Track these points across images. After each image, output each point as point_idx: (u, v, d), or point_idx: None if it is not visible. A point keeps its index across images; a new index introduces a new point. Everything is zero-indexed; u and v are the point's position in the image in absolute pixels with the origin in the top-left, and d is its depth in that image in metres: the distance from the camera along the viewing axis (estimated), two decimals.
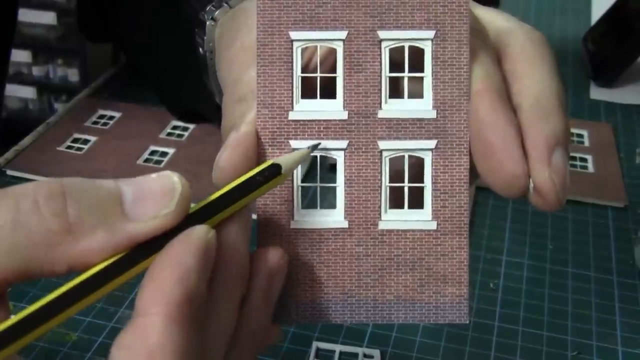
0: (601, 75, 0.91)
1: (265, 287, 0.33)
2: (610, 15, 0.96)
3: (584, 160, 0.76)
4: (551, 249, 0.64)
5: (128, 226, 0.29)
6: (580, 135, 0.80)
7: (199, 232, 0.30)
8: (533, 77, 0.35)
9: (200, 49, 0.49)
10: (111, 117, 0.78)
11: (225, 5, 0.48)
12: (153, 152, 0.73)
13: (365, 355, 0.53)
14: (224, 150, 0.34)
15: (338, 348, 0.53)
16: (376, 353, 0.53)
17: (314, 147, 0.34)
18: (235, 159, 0.33)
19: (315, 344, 0.54)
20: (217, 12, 0.48)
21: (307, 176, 0.36)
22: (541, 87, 0.35)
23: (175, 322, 0.28)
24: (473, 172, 0.35)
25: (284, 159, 0.33)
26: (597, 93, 0.90)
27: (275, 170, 0.32)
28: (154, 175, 0.31)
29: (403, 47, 0.35)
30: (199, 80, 0.51)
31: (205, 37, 0.48)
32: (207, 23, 0.48)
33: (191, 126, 0.76)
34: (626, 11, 0.92)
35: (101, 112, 0.79)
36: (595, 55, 0.94)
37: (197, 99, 0.57)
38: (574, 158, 0.76)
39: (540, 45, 0.36)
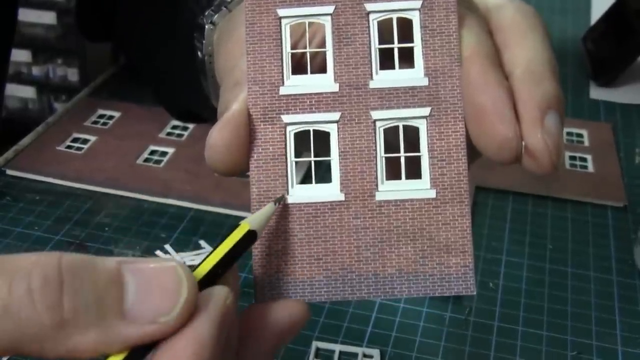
0: (601, 74, 0.91)
1: (271, 348, 0.33)
2: (609, 15, 0.96)
3: (584, 159, 0.76)
4: (551, 248, 0.64)
5: (124, 328, 0.27)
6: (580, 135, 0.80)
7: (219, 299, 0.29)
8: (524, 46, 0.35)
9: (199, 53, 0.49)
10: (111, 117, 0.78)
11: (224, 9, 0.48)
12: (153, 152, 0.73)
13: (364, 355, 0.53)
14: (214, 129, 0.33)
15: (338, 348, 0.53)
16: (376, 353, 0.53)
17: (279, 201, 0.34)
18: (225, 136, 0.33)
19: (315, 344, 0.54)
20: (216, 16, 0.48)
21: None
22: (532, 54, 0.34)
23: None
24: (474, 150, 0.34)
25: (255, 222, 0.32)
26: (597, 93, 0.90)
27: (252, 238, 0.32)
28: (161, 265, 0.28)
29: (391, 19, 0.34)
30: (197, 84, 0.51)
31: (204, 41, 0.48)
32: (206, 27, 0.48)
33: (191, 126, 0.76)
34: (626, 11, 0.92)
35: (101, 111, 0.79)
36: (595, 55, 0.94)
37: (195, 102, 0.57)
38: (573, 158, 0.76)
39: (530, 16, 0.36)
